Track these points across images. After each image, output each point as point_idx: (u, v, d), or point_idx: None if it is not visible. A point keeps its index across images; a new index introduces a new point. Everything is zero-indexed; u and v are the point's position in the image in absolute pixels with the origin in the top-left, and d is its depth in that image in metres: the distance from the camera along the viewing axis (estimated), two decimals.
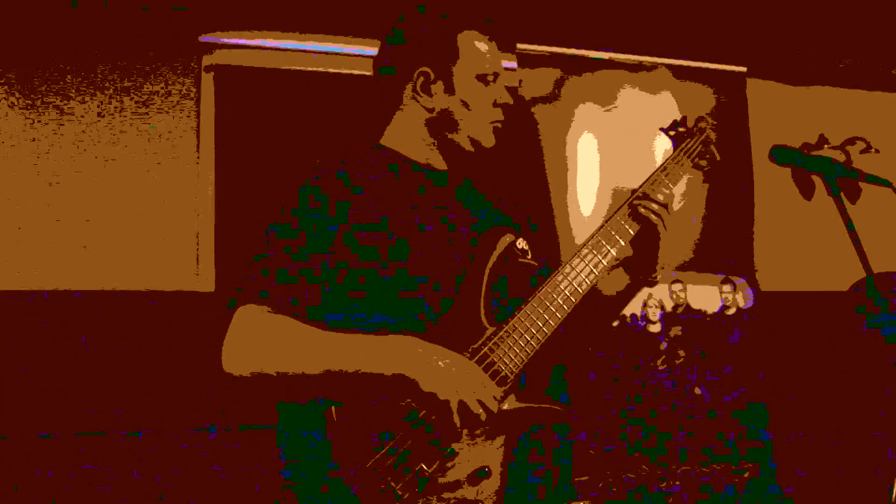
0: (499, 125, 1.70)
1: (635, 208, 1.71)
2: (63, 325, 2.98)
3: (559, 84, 3.47)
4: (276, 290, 1.48)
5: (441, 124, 1.70)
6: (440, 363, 1.40)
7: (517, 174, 3.42)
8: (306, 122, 3.49)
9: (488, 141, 1.71)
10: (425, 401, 1.39)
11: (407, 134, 1.74)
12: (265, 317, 1.47)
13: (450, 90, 1.64)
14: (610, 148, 3.50)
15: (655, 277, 1.75)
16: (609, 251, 1.66)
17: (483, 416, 1.40)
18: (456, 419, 1.38)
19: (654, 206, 1.65)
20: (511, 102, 1.70)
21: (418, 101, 1.71)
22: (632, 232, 1.69)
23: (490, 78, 1.64)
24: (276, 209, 1.57)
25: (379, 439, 1.39)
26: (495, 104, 1.65)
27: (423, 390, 1.38)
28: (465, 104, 1.63)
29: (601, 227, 1.70)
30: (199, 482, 2.98)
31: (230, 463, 3.06)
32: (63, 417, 2.92)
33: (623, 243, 1.67)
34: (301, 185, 1.58)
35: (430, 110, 1.66)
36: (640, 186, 1.75)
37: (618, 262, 1.70)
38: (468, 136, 1.70)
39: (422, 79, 1.65)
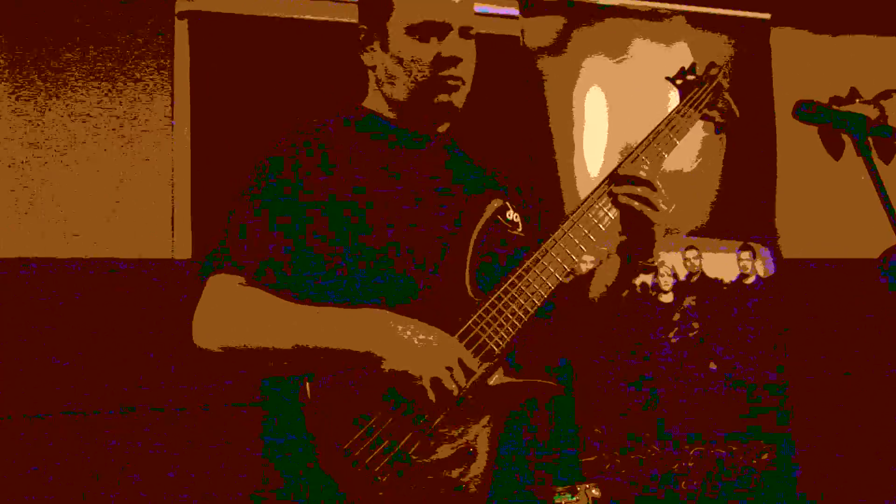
0: (448, 82, 1.61)
1: (614, 196, 1.63)
2: (32, 293, 2.96)
3: (565, 34, 3.41)
4: (249, 261, 1.49)
5: (385, 84, 1.66)
6: (413, 338, 1.41)
7: (518, 133, 3.42)
8: (290, 76, 3.36)
9: (431, 101, 1.62)
10: (399, 379, 1.40)
11: (379, 94, 1.76)
12: (236, 289, 1.49)
13: (384, 46, 1.62)
14: (620, 103, 3.42)
15: (653, 263, 1.75)
16: (587, 237, 1.64)
17: (455, 392, 1.43)
18: (430, 395, 1.40)
19: (638, 190, 1.60)
20: (460, 58, 1.59)
21: (364, 60, 1.73)
22: (612, 217, 1.68)
23: (425, 28, 1.55)
24: (250, 174, 1.57)
25: (357, 419, 1.40)
26: (439, 59, 1.57)
27: (394, 368, 1.39)
28: (399, 60, 1.59)
29: (579, 206, 1.68)
30: (179, 462, 2.96)
31: (210, 442, 3.01)
32: (28, 395, 2.91)
33: (602, 227, 1.66)
34: (275, 149, 1.58)
35: (372, 69, 1.67)
36: (631, 153, 1.72)
37: (591, 245, 1.67)
38: (409, 96, 1.63)
39: (362, 35, 1.65)
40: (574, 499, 2.96)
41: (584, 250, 1.63)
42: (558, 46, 3.44)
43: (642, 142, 1.74)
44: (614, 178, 1.69)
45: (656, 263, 1.74)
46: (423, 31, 1.57)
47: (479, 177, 1.77)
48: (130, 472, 3.00)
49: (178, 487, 3.00)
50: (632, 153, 1.73)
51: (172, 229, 3.25)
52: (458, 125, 1.78)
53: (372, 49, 1.65)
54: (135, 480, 2.99)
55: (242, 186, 1.61)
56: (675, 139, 1.74)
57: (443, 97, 1.61)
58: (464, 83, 1.65)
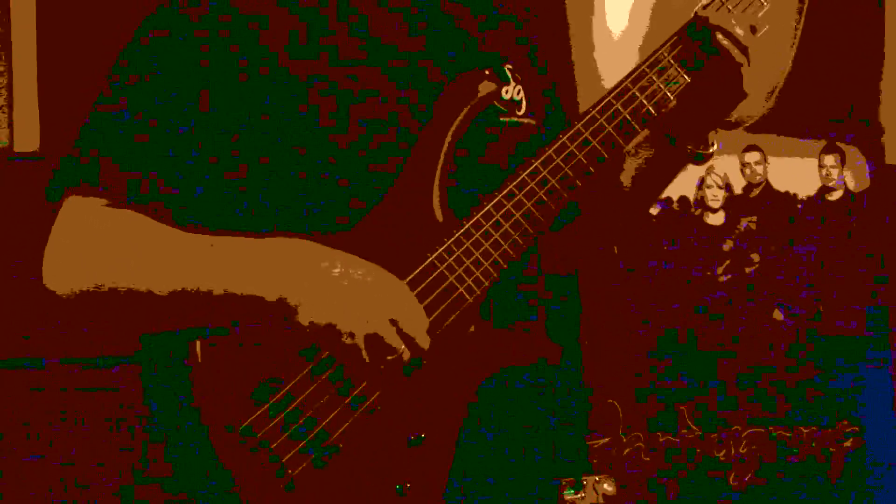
0: None
1: (698, 34, 1.63)
2: None
3: None
4: (117, 174, 1.49)
5: None
6: (342, 279, 1.43)
7: None
8: None
9: None
10: (322, 334, 1.42)
11: None
12: (100, 212, 1.49)
13: None
14: None
15: (709, 151, 1.75)
16: (644, 106, 1.65)
17: (406, 355, 1.44)
18: (365, 358, 1.42)
19: (739, 31, 1.62)
20: None
21: None
22: (687, 77, 1.67)
23: None
24: (120, 48, 1.57)
25: (261, 388, 1.42)
26: None
27: (313, 320, 1.41)
28: None
29: (637, 67, 1.67)
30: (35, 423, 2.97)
31: (74, 403, 3.09)
32: None
33: (669, 95, 1.66)
34: (157, 9, 1.57)
35: None
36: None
37: (653, 120, 1.68)
38: None
39: None
40: (579, 495, 2.99)
41: (634, 130, 1.59)
42: None
43: None
44: (695, 21, 1.67)
45: (711, 150, 1.74)
46: None
47: (466, 40, 1.73)
48: None
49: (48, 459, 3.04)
50: None
51: (10, 110, 3.27)
52: None
53: None
54: None
55: (109, 66, 1.58)
56: None
57: None
58: None
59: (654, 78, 1.61)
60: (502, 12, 1.77)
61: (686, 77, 1.63)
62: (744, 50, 1.62)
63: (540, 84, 1.75)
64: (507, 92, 1.69)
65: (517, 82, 1.71)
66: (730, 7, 1.67)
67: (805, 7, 3.59)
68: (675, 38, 1.66)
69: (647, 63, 1.64)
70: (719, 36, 1.62)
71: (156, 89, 1.51)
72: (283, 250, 1.45)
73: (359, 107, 1.55)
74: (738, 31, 1.62)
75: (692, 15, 1.66)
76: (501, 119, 1.67)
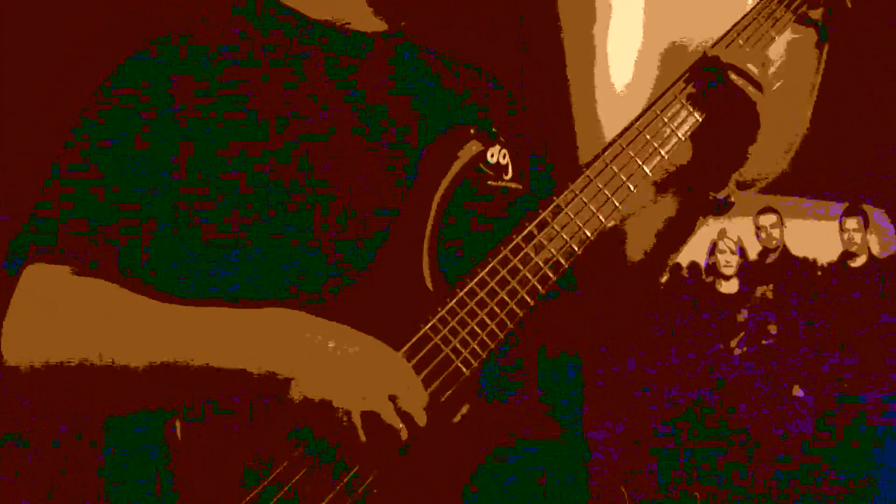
0: None
1: (709, 74, 1.64)
2: None
3: None
4: (81, 240, 1.46)
5: None
6: (336, 351, 1.39)
7: (506, 29, 3.36)
8: None
9: None
10: (314, 412, 1.37)
11: None
12: (65, 280, 1.44)
13: None
14: None
15: (730, 199, 1.72)
16: (656, 152, 1.62)
17: (404, 434, 1.40)
18: (361, 437, 1.38)
19: (753, 69, 1.61)
20: None
21: None
22: (698, 117, 1.65)
23: None
24: (80, 107, 1.55)
25: (248, 472, 1.36)
26: None
27: (307, 396, 1.37)
28: None
29: (644, 111, 1.65)
30: None
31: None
32: None
33: (681, 137, 1.64)
34: (119, 68, 1.55)
35: None
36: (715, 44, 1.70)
37: (667, 173, 1.67)
38: None
39: None
40: None
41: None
42: None
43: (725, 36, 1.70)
44: (705, 61, 1.65)
45: (720, 231, 1.71)
46: None
47: (450, 99, 1.72)
48: None
49: None
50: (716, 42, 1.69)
51: None
52: (419, 18, 1.73)
53: None
54: None
55: (69, 126, 1.56)
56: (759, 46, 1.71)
57: None
58: None
59: (665, 119, 1.60)
60: (489, 77, 1.77)
61: (698, 117, 1.62)
62: (758, 86, 1.61)
63: (526, 147, 1.74)
64: (492, 155, 1.68)
65: (502, 145, 1.70)
66: (741, 43, 1.66)
67: (823, 59, 3.60)
68: (686, 75, 1.65)
69: (657, 104, 1.62)
70: (732, 74, 1.61)
71: (118, 153, 1.49)
72: (272, 321, 1.41)
73: (341, 168, 1.54)
74: (751, 68, 1.61)
75: (702, 54, 1.65)
76: (489, 183, 1.67)
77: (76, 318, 1.45)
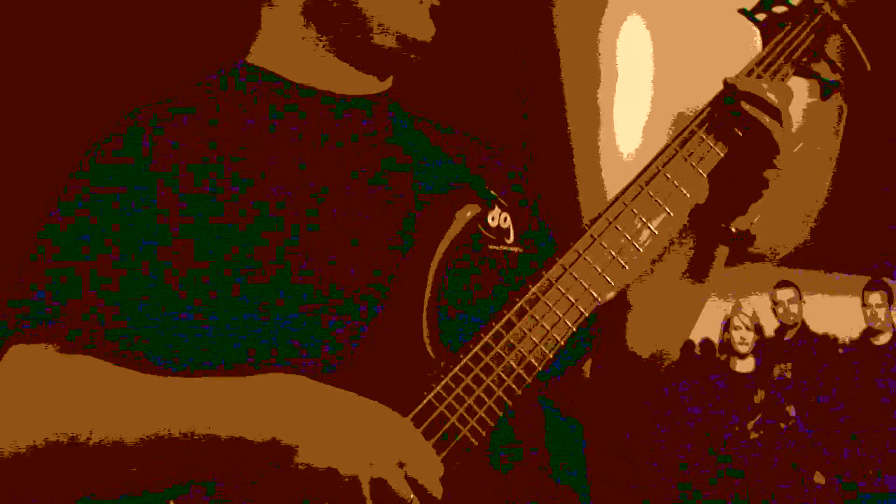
0: (436, 1, 1.63)
1: (725, 109, 1.60)
2: None
3: None
4: (64, 318, 1.45)
5: (331, 12, 1.64)
6: (343, 418, 1.38)
7: (507, 91, 3.34)
8: (115, 23, 3.28)
9: (421, 29, 1.65)
10: (321, 480, 1.35)
11: (284, 37, 1.69)
12: (51, 360, 1.44)
13: None
14: (671, 42, 3.52)
15: (749, 233, 1.69)
16: (663, 210, 1.60)
17: (411, 502, 1.35)
18: None
19: (772, 98, 1.59)
20: None
21: None
22: (719, 153, 1.62)
23: None
24: (60, 184, 1.53)
25: None
26: None
27: (311, 464, 1.35)
28: None
29: (663, 149, 1.62)
30: None
31: None
32: None
33: (702, 173, 1.62)
34: (105, 139, 1.55)
35: None
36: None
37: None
38: (381, 26, 1.63)
39: None
40: None
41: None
42: None
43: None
44: (724, 92, 1.63)
45: (734, 307, 1.69)
46: None
47: (445, 163, 1.71)
48: None
49: None
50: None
51: None
52: (409, 78, 1.71)
53: None
54: None
55: (51, 199, 1.53)
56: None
57: (429, 24, 1.59)
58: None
59: (685, 156, 1.59)
60: (486, 142, 1.76)
61: (719, 151, 1.60)
62: (775, 114, 1.61)
63: (528, 211, 1.73)
64: (493, 219, 1.67)
65: (503, 209, 1.69)
66: (760, 73, 1.66)
67: (842, 124, 3.60)
68: (706, 109, 1.64)
69: (678, 141, 1.61)
70: (744, 104, 1.61)
71: (96, 230, 1.48)
72: (272, 387, 1.39)
73: (336, 233, 1.53)
74: (770, 96, 1.60)
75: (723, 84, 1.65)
76: (490, 247, 1.66)
77: (63, 396, 1.44)
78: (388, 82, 1.66)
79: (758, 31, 1.86)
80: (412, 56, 1.64)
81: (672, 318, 1.71)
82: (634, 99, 3.47)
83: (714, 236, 1.66)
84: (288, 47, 1.64)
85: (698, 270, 1.69)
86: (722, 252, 1.67)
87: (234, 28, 1.67)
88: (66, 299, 1.44)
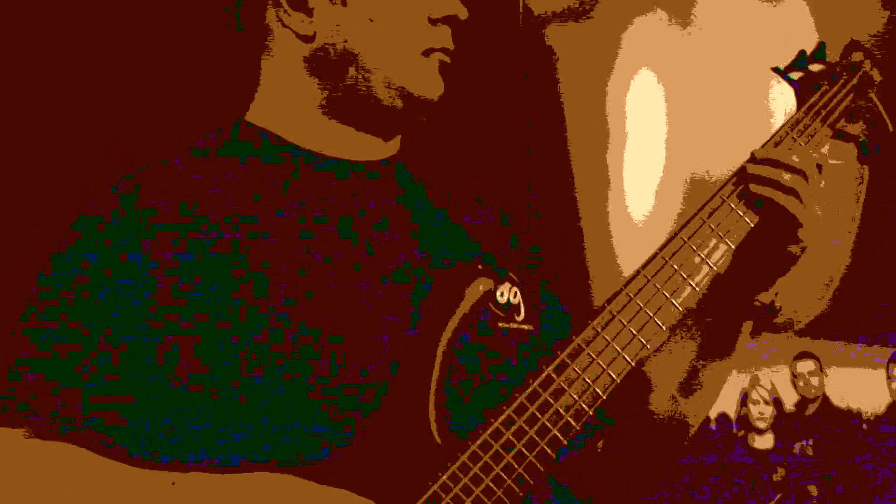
0: (445, 58, 1.62)
1: (744, 183, 1.58)
2: None
3: None
4: (42, 400, 1.48)
5: (333, 64, 1.63)
6: None
7: (511, 155, 3.33)
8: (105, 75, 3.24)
9: (428, 86, 1.64)
10: None
11: (283, 93, 1.68)
12: (24, 447, 1.47)
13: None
14: (685, 102, 3.44)
15: (776, 306, 1.67)
16: (702, 264, 1.58)
17: None
18: None
19: (786, 177, 1.58)
20: (464, 16, 1.62)
21: (289, 27, 1.64)
22: (750, 222, 1.60)
23: None
24: (43, 261, 1.51)
25: None
26: (432, 20, 1.61)
27: None
28: (373, 22, 1.58)
29: (687, 221, 1.59)
30: None
31: None
32: None
33: (731, 245, 1.58)
34: (89, 211, 1.52)
35: (310, 38, 1.64)
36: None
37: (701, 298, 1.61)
38: (386, 81, 1.63)
39: None
40: None
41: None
42: (582, 8, 3.46)
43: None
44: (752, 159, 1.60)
45: (751, 380, 1.66)
46: None
47: (453, 234, 1.69)
48: None
49: None
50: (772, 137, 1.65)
51: None
52: (413, 142, 1.69)
53: (312, 6, 1.58)
54: None
55: (30, 280, 1.51)
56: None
57: (437, 81, 1.58)
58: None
59: (712, 227, 1.58)
60: (494, 210, 1.75)
61: (749, 222, 1.60)
62: (789, 192, 1.60)
63: (538, 285, 1.72)
64: (502, 294, 1.66)
65: (513, 283, 1.67)
66: (794, 137, 1.64)
67: (864, 188, 3.58)
68: (735, 178, 1.64)
69: (704, 210, 1.60)
70: (752, 186, 1.60)
71: (78, 310, 1.47)
72: (265, 488, 1.38)
73: (338, 310, 1.51)
74: (787, 176, 1.59)
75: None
76: (500, 325, 1.64)
77: (37, 486, 1.41)
78: (396, 144, 1.64)
79: (775, 86, 1.82)
80: (419, 116, 1.62)
81: (692, 393, 1.69)
82: (646, 160, 3.44)
83: (739, 309, 1.64)
84: (287, 104, 1.65)
85: (721, 344, 1.67)
86: (746, 326, 1.66)
87: (233, 82, 1.66)
88: (47, 381, 1.43)
